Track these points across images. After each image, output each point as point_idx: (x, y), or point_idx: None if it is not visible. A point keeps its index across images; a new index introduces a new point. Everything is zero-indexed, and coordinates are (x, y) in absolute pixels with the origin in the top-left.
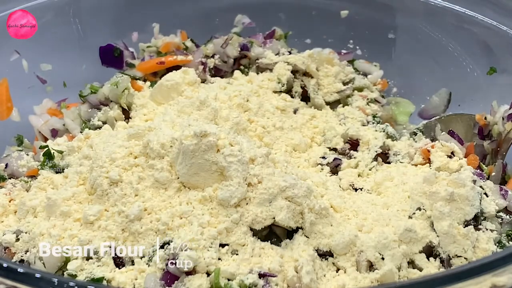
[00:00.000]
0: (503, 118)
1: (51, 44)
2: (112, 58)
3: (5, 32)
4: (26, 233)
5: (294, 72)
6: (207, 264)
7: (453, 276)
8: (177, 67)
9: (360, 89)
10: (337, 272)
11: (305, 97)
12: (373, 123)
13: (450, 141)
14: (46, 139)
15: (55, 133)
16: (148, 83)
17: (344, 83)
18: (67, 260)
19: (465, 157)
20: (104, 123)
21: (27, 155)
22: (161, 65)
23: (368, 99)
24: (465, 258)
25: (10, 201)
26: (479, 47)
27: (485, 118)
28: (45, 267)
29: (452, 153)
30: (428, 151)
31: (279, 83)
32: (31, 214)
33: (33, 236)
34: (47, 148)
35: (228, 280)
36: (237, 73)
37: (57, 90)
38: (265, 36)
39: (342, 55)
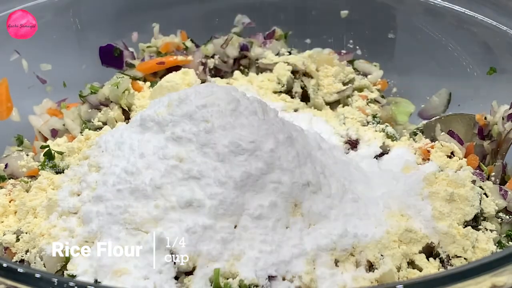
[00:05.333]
0: (503, 118)
1: (51, 44)
2: (112, 58)
3: (5, 32)
4: (26, 233)
5: (294, 72)
6: (207, 264)
7: (453, 276)
8: (177, 68)
9: (360, 89)
10: (337, 272)
11: (305, 98)
12: (373, 123)
13: (450, 141)
14: (46, 139)
15: (55, 133)
16: (148, 83)
17: (344, 83)
18: (67, 261)
19: (465, 157)
20: (104, 123)
21: (27, 155)
22: (161, 65)
23: (368, 99)
24: (464, 258)
25: (10, 202)
26: (479, 47)
27: (485, 118)
28: (45, 267)
29: (452, 153)
30: (428, 151)
31: (279, 83)
32: (31, 215)
33: (33, 237)
34: (47, 148)
35: (228, 279)
36: (237, 73)
37: (57, 90)
38: (265, 36)
39: (342, 55)
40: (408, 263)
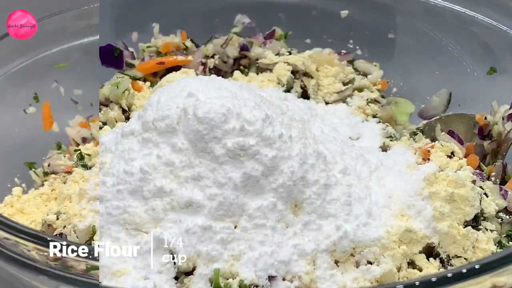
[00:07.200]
0: (503, 118)
1: (83, 76)
2: (112, 58)
3: (50, 66)
4: (64, 214)
5: (294, 72)
6: (207, 265)
7: (453, 276)
8: (177, 68)
9: (360, 89)
10: (337, 272)
11: (305, 98)
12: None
13: (450, 141)
14: (78, 145)
15: (84, 140)
16: (148, 83)
17: (344, 83)
18: (93, 233)
19: (465, 157)
20: (105, 123)
21: (64, 156)
22: (161, 65)
23: (368, 99)
24: (465, 258)
25: (52, 191)
26: (479, 47)
27: (485, 118)
28: (77, 238)
29: (452, 153)
30: (428, 151)
31: (279, 83)
32: (67, 200)
33: (69, 216)
34: (79, 152)
35: (228, 279)
36: (237, 73)
37: (86, 109)
38: (265, 36)
39: (342, 55)
40: (408, 263)
